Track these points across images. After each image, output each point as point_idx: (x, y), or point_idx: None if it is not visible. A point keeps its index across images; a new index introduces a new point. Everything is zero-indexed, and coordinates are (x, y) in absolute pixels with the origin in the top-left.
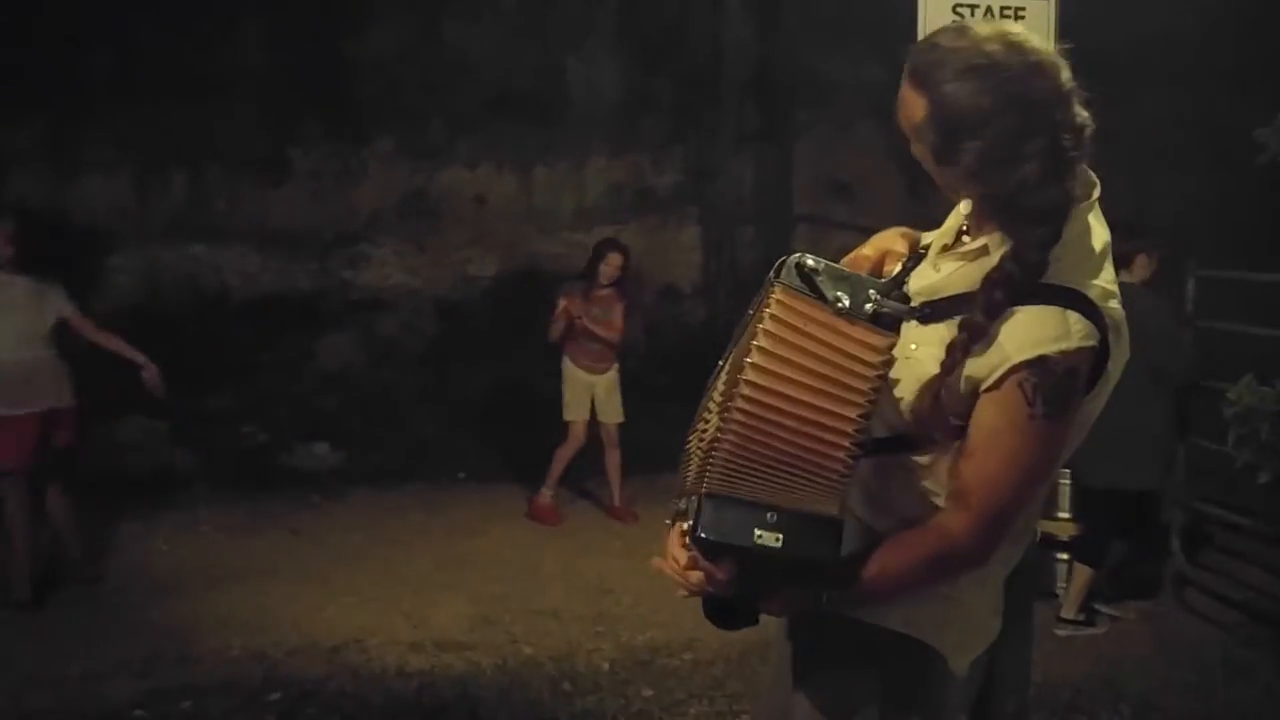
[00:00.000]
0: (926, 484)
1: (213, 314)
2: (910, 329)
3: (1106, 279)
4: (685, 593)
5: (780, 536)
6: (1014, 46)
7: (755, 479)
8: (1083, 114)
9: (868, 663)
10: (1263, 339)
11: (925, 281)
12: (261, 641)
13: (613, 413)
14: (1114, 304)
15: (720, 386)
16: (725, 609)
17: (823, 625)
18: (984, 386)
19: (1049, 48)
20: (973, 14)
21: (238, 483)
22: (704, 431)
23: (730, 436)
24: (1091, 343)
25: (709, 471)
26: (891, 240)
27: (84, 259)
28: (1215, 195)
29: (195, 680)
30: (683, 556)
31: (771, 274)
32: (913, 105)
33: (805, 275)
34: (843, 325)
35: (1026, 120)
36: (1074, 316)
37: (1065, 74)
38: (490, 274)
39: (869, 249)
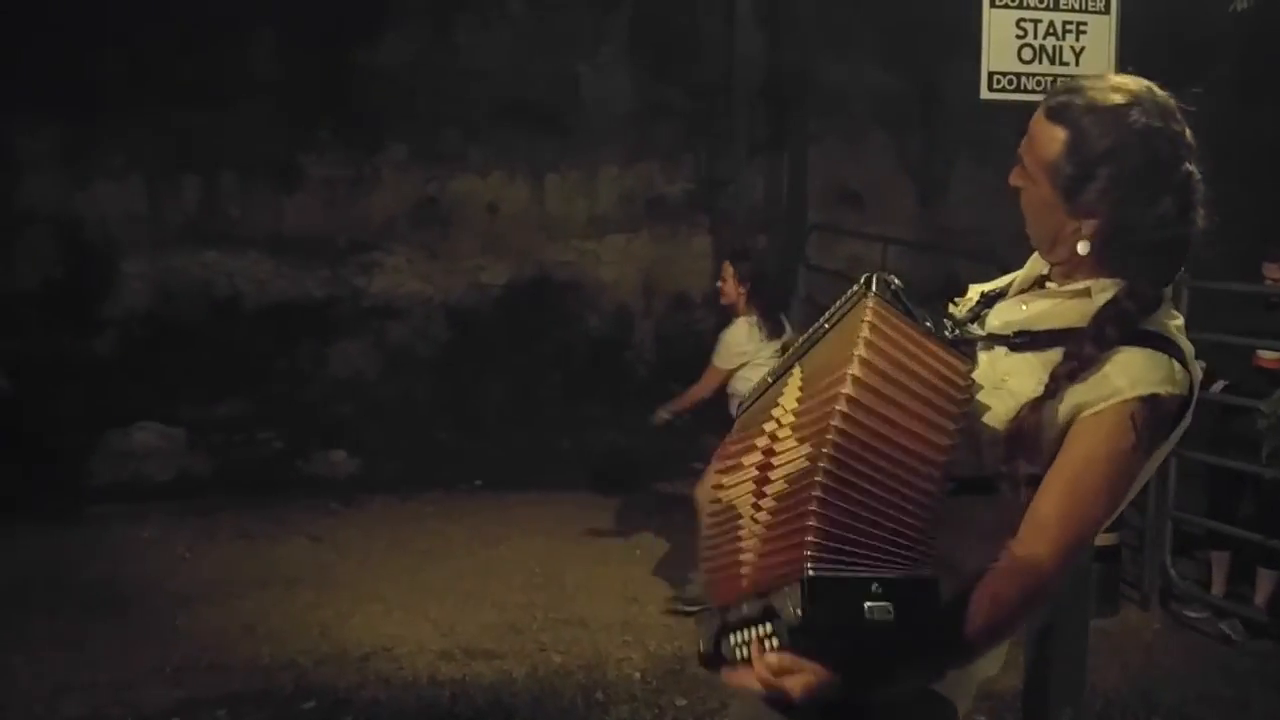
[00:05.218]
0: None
1: (225, 320)
2: (999, 359)
3: (1177, 324)
4: (793, 697)
5: (891, 606)
6: (1151, 90)
7: (850, 541)
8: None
9: None
10: None
11: (1012, 317)
12: (291, 649)
13: None
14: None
15: (783, 412)
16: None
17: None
18: (1089, 412)
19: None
20: (1035, 29)
21: (255, 490)
22: (758, 499)
23: (825, 479)
24: (1187, 393)
25: (808, 544)
26: None
27: (97, 266)
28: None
29: (228, 689)
30: (773, 661)
31: (860, 286)
32: (1048, 139)
33: (895, 293)
34: (932, 345)
35: (1164, 156)
36: (1178, 366)
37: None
38: (502, 282)
39: None
